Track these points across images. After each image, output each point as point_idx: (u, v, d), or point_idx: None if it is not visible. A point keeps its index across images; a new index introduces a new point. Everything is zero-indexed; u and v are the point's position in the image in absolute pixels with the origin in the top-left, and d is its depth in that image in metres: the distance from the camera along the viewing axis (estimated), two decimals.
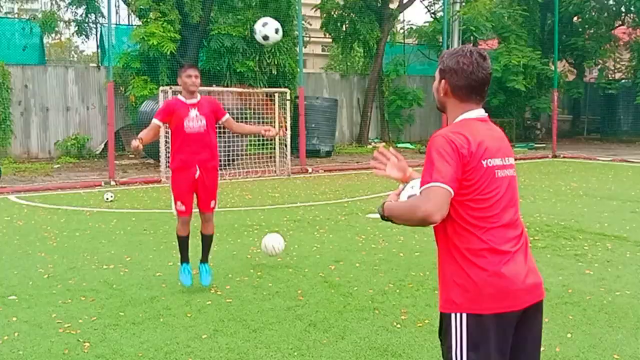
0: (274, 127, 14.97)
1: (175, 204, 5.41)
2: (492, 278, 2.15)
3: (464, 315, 2.18)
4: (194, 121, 5.31)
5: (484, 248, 2.16)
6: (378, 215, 2.35)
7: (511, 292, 2.16)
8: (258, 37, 6.22)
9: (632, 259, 6.24)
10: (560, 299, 4.99)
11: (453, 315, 2.21)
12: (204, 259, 5.61)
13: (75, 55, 43.51)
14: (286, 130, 5.93)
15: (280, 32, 6.17)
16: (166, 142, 13.01)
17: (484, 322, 2.16)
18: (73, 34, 21.33)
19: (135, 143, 5.12)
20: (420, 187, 2.14)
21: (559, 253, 6.54)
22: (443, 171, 2.10)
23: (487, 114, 2.34)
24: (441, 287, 2.28)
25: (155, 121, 5.38)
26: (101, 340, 4.26)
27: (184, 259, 5.55)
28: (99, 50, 20.59)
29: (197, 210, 5.54)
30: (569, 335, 4.21)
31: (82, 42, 62.38)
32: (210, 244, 5.66)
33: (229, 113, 5.73)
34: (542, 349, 3.92)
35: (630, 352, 3.91)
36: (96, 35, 20.52)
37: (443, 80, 2.30)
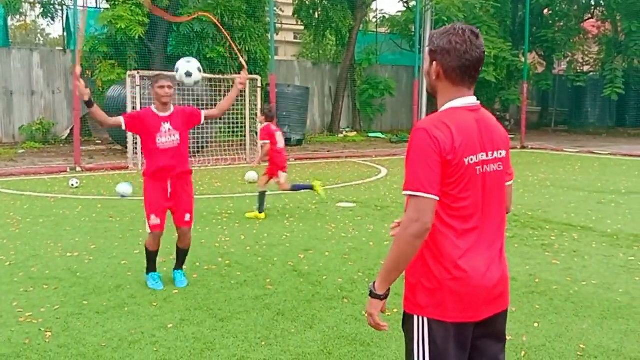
0: (246, 112, 14.83)
1: (149, 217, 5.08)
2: (461, 285, 2.07)
3: (426, 320, 2.11)
4: (167, 136, 5.06)
5: (458, 253, 2.07)
6: (369, 289, 2.19)
7: (479, 302, 2.09)
8: (180, 73, 5.19)
9: (598, 249, 6.33)
10: (527, 289, 5.03)
11: (416, 317, 2.14)
12: (179, 267, 5.39)
13: (42, 39, 42.47)
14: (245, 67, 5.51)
15: (197, 75, 5.22)
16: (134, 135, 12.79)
17: (447, 329, 2.08)
18: (38, 16, 20.80)
19: (84, 90, 4.77)
20: (404, 190, 2.05)
21: (526, 243, 6.60)
22: (427, 178, 2.00)
23: (478, 102, 2.19)
24: (407, 286, 2.20)
25: (120, 119, 5.08)
26: (63, 330, 4.14)
27: (152, 269, 5.27)
28: (65, 33, 20.07)
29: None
30: (535, 325, 4.24)
31: (48, 25, 61.00)
32: (185, 256, 5.39)
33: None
34: (509, 338, 3.96)
35: (596, 341, 3.96)
36: (62, 17, 20.01)
37: (434, 62, 2.14)
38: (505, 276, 2.20)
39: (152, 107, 5.21)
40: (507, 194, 2.30)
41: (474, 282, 2.08)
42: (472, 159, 2.07)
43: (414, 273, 2.15)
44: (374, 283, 2.15)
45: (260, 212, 7.96)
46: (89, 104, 4.87)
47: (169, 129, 5.08)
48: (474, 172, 2.08)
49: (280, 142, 8.05)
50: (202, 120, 5.35)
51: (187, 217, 5.22)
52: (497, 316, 2.19)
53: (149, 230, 5.11)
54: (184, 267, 5.43)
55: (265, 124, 8.00)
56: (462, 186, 2.06)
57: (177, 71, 5.15)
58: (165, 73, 5.20)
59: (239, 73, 5.50)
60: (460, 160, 2.04)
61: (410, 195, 2.02)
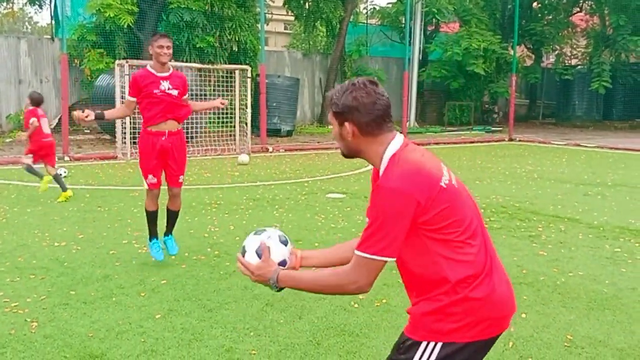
0: (236, 102, 14.77)
1: (146, 177, 5.34)
2: (486, 303, 2.01)
3: (438, 345, 2.01)
4: (165, 90, 5.21)
5: (481, 270, 2.02)
6: (274, 280, 2.14)
7: (502, 318, 2.07)
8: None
9: (585, 241, 6.38)
10: (514, 280, 5.05)
11: (424, 343, 2.04)
12: (169, 232, 5.62)
13: (29, 27, 41.97)
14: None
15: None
16: (122, 121, 12.71)
17: (456, 350, 2.01)
18: (26, 3, 20.51)
19: (80, 114, 4.96)
20: (358, 249, 1.97)
21: (513, 234, 6.63)
22: (394, 243, 1.94)
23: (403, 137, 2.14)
24: (419, 313, 2.08)
25: (129, 98, 5.32)
26: (50, 320, 4.11)
27: (153, 234, 5.52)
28: (53, 22, 19.85)
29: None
30: (523, 316, 4.26)
31: (36, 13, 60.28)
32: (176, 219, 5.63)
33: (189, 90, 5.61)
34: None
35: (583, 332, 3.99)
36: (50, 5, 19.78)
37: (346, 123, 2.06)
38: (511, 286, 2.17)
39: (148, 66, 5.29)
40: None
41: (498, 298, 2.04)
42: (446, 180, 2.02)
43: (433, 299, 2.05)
44: (278, 275, 2.15)
45: (64, 191, 8.19)
46: (99, 117, 5.11)
47: (168, 87, 5.22)
48: (454, 189, 2.04)
49: (45, 128, 8.36)
50: (184, 97, 5.44)
51: (181, 178, 5.47)
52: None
53: (146, 187, 5.37)
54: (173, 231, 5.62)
55: (31, 107, 8.31)
56: (450, 208, 1.99)
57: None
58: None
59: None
60: (437, 187, 1.98)
61: (367, 258, 1.96)
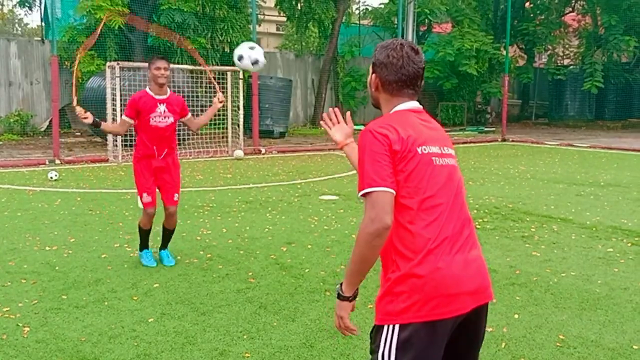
0: (228, 104, 14.74)
1: (141, 196, 5.36)
2: (430, 280, 1.99)
3: (396, 327, 2.01)
4: (161, 117, 5.26)
5: (422, 245, 2.00)
6: (336, 291, 2.13)
7: (451, 296, 2.00)
8: (246, 62, 4.75)
9: (577, 241, 6.40)
10: (507, 280, 5.06)
11: (385, 327, 2.04)
12: (164, 247, 5.64)
13: (19, 28, 41.79)
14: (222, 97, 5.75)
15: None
16: (114, 120, 12.66)
17: (413, 332, 1.99)
18: (15, 5, 20.43)
19: (80, 110, 5.03)
20: (358, 191, 2.03)
21: (507, 235, 6.65)
22: (378, 173, 1.99)
23: (421, 107, 2.23)
24: (377, 297, 2.13)
25: (125, 119, 5.34)
26: (42, 325, 4.09)
27: (145, 246, 5.55)
28: (44, 23, 19.77)
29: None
30: (516, 316, 4.27)
31: (26, 15, 60.00)
32: (171, 236, 5.65)
33: (181, 92, 5.67)
34: (490, 329, 4.00)
35: (576, 332, 4.00)
36: (40, 7, 19.69)
37: (374, 75, 2.22)
38: (481, 269, 2.12)
39: (147, 89, 5.36)
40: None
41: (446, 275, 2.01)
42: (425, 149, 2.08)
43: (384, 281, 2.10)
44: (341, 285, 2.11)
45: None
46: (96, 124, 5.11)
47: (164, 111, 5.27)
48: (431, 161, 2.08)
49: None
50: (186, 119, 5.53)
51: (176, 196, 5.51)
52: (479, 314, 2.12)
53: (141, 207, 5.39)
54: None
55: None
56: (420, 176, 2.04)
57: (240, 59, 4.69)
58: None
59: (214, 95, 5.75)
60: (412, 148, 2.05)
61: (365, 194, 2.00)
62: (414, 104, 2.21)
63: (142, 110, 5.23)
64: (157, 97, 5.28)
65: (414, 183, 2.03)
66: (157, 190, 5.47)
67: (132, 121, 5.32)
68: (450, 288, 2.01)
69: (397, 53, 2.15)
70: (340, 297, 2.12)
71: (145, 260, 5.46)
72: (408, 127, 2.09)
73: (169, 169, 5.43)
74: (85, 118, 5.03)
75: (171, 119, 5.31)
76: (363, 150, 2.04)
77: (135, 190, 5.46)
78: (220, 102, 5.61)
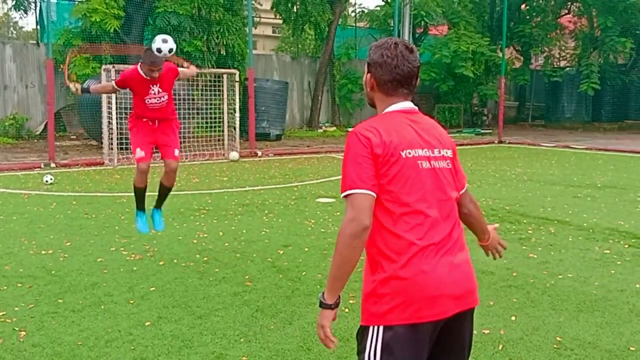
0: (224, 107, 14.74)
1: (134, 151, 5.39)
2: (413, 283, 1.98)
3: (381, 328, 2.01)
4: (156, 97, 5.34)
5: (406, 248, 2.00)
6: (319, 299, 2.12)
7: (434, 300, 1.99)
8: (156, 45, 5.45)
9: (574, 243, 6.40)
10: (504, 282, 5.06)
11: (371, 328, 2.04)
12: (158, 206, 5.65)
13: (14, 32, 41.73)
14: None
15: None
16: (109, 123, 12.64)
17: (397, 334, 1.99)
18: (11, 8, 20.39)
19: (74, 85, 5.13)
20: (341, 192, 2.05)
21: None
22: (359, 175, 2.00)
23: (415, 107, 2.22)
24: (362, 297, 2.13)
25: (113, 84, 5.48)
26: (38, 329, 4.07)
27: (141, 208, 5.55)
28: (39, 26, 19.73)
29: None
30: (513, 318, 4.27)
31: (21, 18, 59.92)
32: (167, 195, 5.67)
33: (176, 94, 5.72)
34: (486, 331, 3.99)
35: (573, 334, 4.00)
36: (35, 10, 19.66)
37: (369, 74, 2.21)
38: (467, 273, 2.11)
39: (139, 68, 5.38)
40: (471, 199, 2.37)
41: (429, 277, 2.00)
42: (410, 152, 2.07)
43: (367, 281, 2.10)
44: (323, 293, 2.10)
45: None
46: (84, 90, 5.19)
47: (158, 91, 5.33)
48: (416, 165, 2.07)
49: None
50: (179, 78, 5.63)
51: (176, 152, 5.53)
52: (462, 320, 2.10)
53: (136, 163, 5.44)
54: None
55: None
56: (404, 180, 2.04)
57: (153, 42, 5.36)
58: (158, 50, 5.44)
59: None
60: (395, 152, 2.05)
61: (346, 196, 2.02)
62: (406, 105, 2.20)
63: (134, 90, 5.31)
64: (149, 77, 5.34)
65: (397, 187, 2.04)
66: (156, 149, 5.49)
67: (117, 88, 5.47)
68: (434, 291, 2.00)
69: (391, 52, 2.15)
70: (322, 305, 2.10)
71: (140, 225, 5.52)
72: (393, 130, 2.08)
73: (166, 129, 5.48)
74: (77, 90, 5.21)
75: (165, 99, 5.39)
76: (347, 153, 2.07)
77: (131, 147, 5.58)
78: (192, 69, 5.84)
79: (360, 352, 2.07)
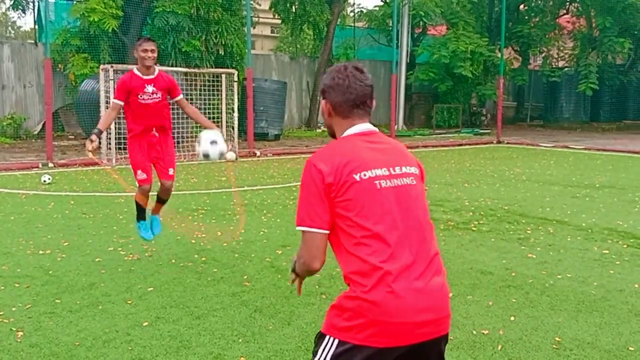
0: (222, 106, 14.72)
1: (136, 173, 5.41)
2: (376, 307, 1.96)
3: (336, 341, 2.03)
4: (149, 95, 5.31)
5: (371, 272, 1.99)
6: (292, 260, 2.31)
7: (394, 326, 1.97)
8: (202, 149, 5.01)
9: (573, 243, 6.40)
10: (503, 282, 5.05)
11: (327, 337, 2.07)
12: (156, 213, 5.69)
13: (12, 31, 41.67)
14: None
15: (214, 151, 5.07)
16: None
17: (348, 351, 1.99)
18: (9, 8, 20.35)
19: (91, 145, 5.03)
20: (296, 225, 2.11)
21: (502, 237, 6.64)
22: (309, 212, 2.05)
23: (374, 128, 2.23)
24: (331, 305, 2.15)
25: (115, 102, 5.36)
26: (36, 329, 4.05)
27: (142, 218, 5.60)
28: (37, 26, 19.69)
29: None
30: (512, 318, 4.26)
31: (19, 17, 59.85)
32: (164, 204, 5.71)
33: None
34: (485, 332, 3.98)
35: (572, 334, 3.99)
36: (34, 10, 19.62)
37: (324, 101, 2.23)
38: (440, 299, 2.06)
39: (135, 69, 5.38)
40: None
41: (392, 302, 1.97)
42: (365, 174, 2.06)
43: (337, 297, 2.14)
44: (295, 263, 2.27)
45: None
46: (98, 134, 5.16)
47: (153, 90, 5.30)
48: (373, 186, 2.06)
49: None
50: (177, 99, 5.52)
51: (171, 171, 5.54)
52: (429, 350, 2.07)
53: (138, 185, 5.45)
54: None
55: None
56: (361, 203, 2.04)
57: (199, 143, 5.02)
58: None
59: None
60: (349, 178, 2.05)
61: (300, 230, 2.10)
62: (364, 127, 2.21)
63: (131, 90, 5.29)
64: (145, 77, 5.32)
65: (354, 211, 2.04)
66: (152, 166, 5.51)
67: (122, 103, 5.35)
68: (396, 318, 1.98)
69: (342, 74, 2.18)
70: (295, 272, 2.29)
71: (142, 232, 5.54)
72: (348, 155, 2.09)
73: (161, 145, 5.46)
74: (95, 147, 5.09)
75: (159, 96, 5.34)
76: (301, 184, 2.12)
77: (131, 167, 5.51)
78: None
79: (314, 355, 2.11)
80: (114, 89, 5.61)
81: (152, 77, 5.35)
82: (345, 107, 2.18)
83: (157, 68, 5.44)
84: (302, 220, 2.08)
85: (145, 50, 5.23)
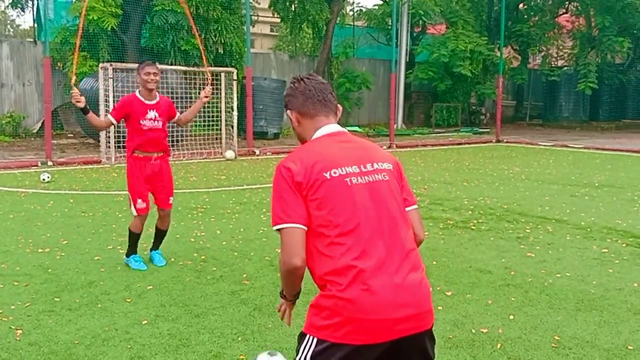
0: (222, 105, 14.71)
1: (135, 202, 5.32)
2: (352, 305, 1.97)
3: (315, 340, 2.04)
4: (152, 122, 5.29)
5: (346, 271, 1.99)
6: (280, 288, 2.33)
7: (371, 323, 1.97)
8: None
9: (572, 242, 6.40)
10: (503, 281, 5.06)
11: (307, 336, 2.08)
12: (156, 248, 5.64)
13: (11, 30, 41.63)
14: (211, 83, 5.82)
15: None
16: None
17: (326, 349, 2.00)
18: (8, 6, 20.33)
19: (77, 93, 5.00)
20: (272, 226, 2.11)
21: (501, 236, 6.64)
22: (283, 209, 2.05)
23: (342, 129, 2.28)
24: (310, 304, 2.16)
25: (109, 117, 5.33)
26: (35, 327, 4.05)
27: (133, 252, 5.49)
28: (36, 25, 19.67)
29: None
30: (511, 317, 4.26)
31: (18, 16, 59.80)
32: (164, 237, 5.66)
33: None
34: (485, 330, 3.99)
35: (571, 333, 3.99)
36: (33, 8, 19.59)
37: (289, 111, 2.29)
38: (419, 294, 2.05)
39: (137, 93, 5.36)
40: (413, 220, 2.24)
41: (368, 298, 1.98)
42: (335, 172, 2.08)
43: (315, 297, 2.14)
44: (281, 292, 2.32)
45: None
46: (84, 111, 5.09)
47: (155, 116, 5.28)
48: (344, 183, 2.07)
49: None
50: (175, 119, 5.59)
51: (171, 200, 5.53)
52: (410, 346, 2.06)
53: (135, 214, 5.35)
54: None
55: None
56: (333, 201, 2.04)
57: None
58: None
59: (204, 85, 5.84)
60: (319, 176, 2.06)
61: (277, 230, 2.07)
62: (333, 128, 2.25)
63: (132, 115, 5.24)
64: (147, 102, 5.28)
65: (326, 210, 2.04)
66: (150, 194, 5.46)
67: (115, 122, 5.34)
68: (372, 315, 1.97)
69: (296, 82, 2.29)
70: (283, 297, 2.31)
71: (135, 264, 5.37)
72: (317, 154, 2.12)
73: (161, 173, 5.42)
74: (78, 101, 4.99)
75: (160, 124, 5.33)
76: (273, 188, 2.14)
77: (128, 194, 5.41)
78: (206, 97, 5.67)
79: (296, 353, 2.13)
80: (114, 106, 5.57)
81: (154, 102, 5.31)
82: (310, 106, 2.24)
83: (158, 94, 5.40)
84: (278, 219, 2.06)
85: (148, 74, 5.20)
